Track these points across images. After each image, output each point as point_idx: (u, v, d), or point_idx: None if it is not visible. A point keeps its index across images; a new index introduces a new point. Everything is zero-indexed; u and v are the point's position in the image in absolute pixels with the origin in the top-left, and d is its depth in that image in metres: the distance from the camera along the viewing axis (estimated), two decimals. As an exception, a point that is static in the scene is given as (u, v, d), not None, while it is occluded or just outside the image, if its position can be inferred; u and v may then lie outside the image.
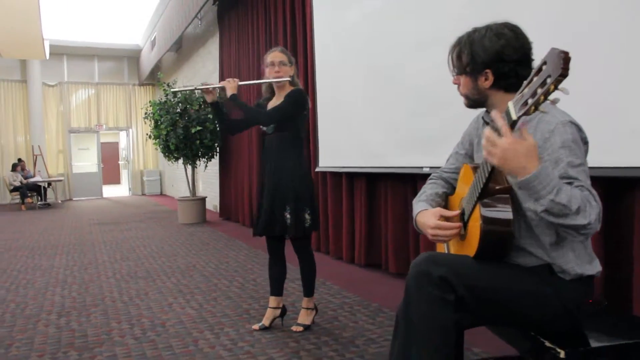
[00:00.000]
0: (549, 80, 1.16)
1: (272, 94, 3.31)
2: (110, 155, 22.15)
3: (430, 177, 2.00)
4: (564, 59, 1.13)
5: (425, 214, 1.71)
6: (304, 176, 3.23)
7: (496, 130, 1.35)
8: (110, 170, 21.85)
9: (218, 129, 9.01)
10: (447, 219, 1.65)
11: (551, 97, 1.18)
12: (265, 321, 3.28)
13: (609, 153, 2.34)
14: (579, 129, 1.50)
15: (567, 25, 2.62)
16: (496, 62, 1.57)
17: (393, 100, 4.16)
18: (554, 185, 1.33)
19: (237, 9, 8.68)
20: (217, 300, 3.95)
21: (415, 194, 4.27)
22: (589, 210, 1.34)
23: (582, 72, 1.93)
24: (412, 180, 4.25)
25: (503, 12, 2.25)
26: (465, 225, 1.64)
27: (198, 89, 3.20)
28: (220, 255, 5.83)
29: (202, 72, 11.42)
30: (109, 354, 2.93)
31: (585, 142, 1.51)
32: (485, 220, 1.49)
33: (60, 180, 15.48)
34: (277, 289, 3.30)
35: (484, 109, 1.74)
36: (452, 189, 1.91)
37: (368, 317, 3.42)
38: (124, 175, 20.20)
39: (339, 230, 5.32)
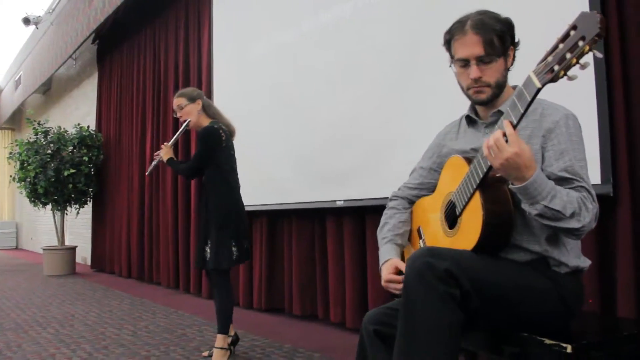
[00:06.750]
0: (581, 43, 1.13)
1: None
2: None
3: (391, 199, 1.89)
4: (600, 20, 1.11)
5: (385, 265, 1.70)
6: (228, 209, 3.12)
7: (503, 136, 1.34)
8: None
9: (92, 172, 8.41)
10: (399, 272, 1.64)
11: (582, 60, 1.14)
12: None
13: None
14: (579, 124, 1.51)
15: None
16: (513, 37, 1.56)
17: (304, 134, 4.07)
18: (548, 191, 1.36)
19: (120, 48, 8.29)
20: (108, 348, 3.49)
21: (323, 230, 4.20)
22: (584, 214, 1.37)
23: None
24: (319, 216, 4.14)
25: (427, 43, 2.05)
26: (455, 219, 1.55)
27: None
28: (101, 304, 5.26)
29: (75, 114, 10.68)
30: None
31: None
32: (488, 211, 1.43)
33: None
34: None
35: (465, 112, 1.71)
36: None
37: (284, 357, 3.19)
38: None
39: (234, 274, 5.02)
